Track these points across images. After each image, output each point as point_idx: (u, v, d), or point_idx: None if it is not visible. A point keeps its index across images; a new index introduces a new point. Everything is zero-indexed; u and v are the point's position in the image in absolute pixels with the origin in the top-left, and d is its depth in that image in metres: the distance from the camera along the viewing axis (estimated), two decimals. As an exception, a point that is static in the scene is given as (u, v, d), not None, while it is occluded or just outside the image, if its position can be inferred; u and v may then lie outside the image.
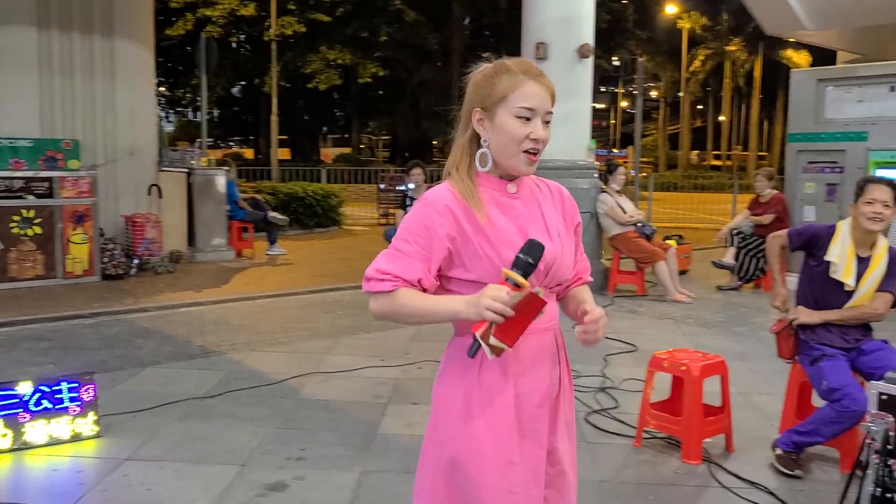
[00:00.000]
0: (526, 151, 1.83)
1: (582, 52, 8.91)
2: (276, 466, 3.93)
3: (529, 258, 1.73)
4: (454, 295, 1.85)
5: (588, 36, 9.07)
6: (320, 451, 4.15)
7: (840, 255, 3.87)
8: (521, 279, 1.70)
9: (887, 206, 3.79)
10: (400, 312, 1.84)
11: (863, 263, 3.88)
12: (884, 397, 2.68)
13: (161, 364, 5.70)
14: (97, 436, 4.19)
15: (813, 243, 3.97)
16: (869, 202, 3.81)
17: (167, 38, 26.34)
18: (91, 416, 4.18)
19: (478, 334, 1.69)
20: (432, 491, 1.93)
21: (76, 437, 4.12)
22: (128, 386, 5.17)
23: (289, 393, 5.11)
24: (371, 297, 1.87)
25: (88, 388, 4.17)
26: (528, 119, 1.82)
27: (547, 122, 1.86)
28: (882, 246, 3.92)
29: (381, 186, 18.00)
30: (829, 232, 3.94)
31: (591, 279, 2.10)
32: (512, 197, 1.90)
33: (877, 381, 2.80)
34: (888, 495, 2.61)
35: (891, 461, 2.62)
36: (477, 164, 1.88)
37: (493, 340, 1.69)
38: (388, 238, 9.35)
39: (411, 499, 3.53)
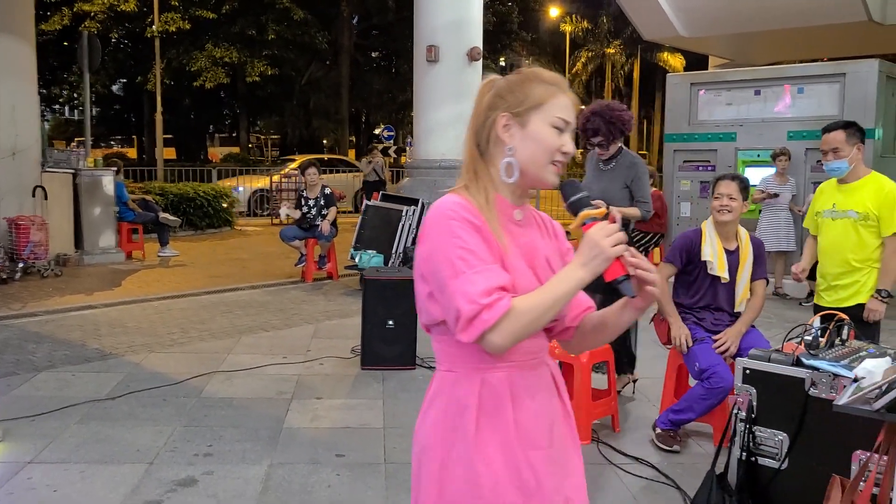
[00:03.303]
0: (554, 162, 1.71)
1: (472, 56, 9.22)
2: (184, 463, 4.00)
3: (584, 192, 1.69)
4: (558, 275, 1.63)
5: (477, 39, 9.39)
6: (227, 446, 4.24)
7: (712, 253, 4.25)
8: (598, 210, 1.64)
9: (733, 198, 4.22)
10: (529, 326, 1.59)
11: (732, 256, 4.28)
12: (748, 371, 3.02)
13: (56, 368, 5.61)
14: (-3, 441, 4.15)
15: (692, 250, 4.32)
16: (717, 197, 4.24)
17: (43, 32, 25.16)
18: (-10, 421, 4.13)
19: (626, 273, 1.62)
20: None
21: (-25, 443, 4.07)
22: (24, 391, 5.08)
23: (191, 392, 5.15)
24: (490, 332, 1.56)
25: (-13, 393, 4.12)
26: (561, 130, 1.72)
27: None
28: (745, 237, 4.33)
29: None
30: (698, 234, 4.32)
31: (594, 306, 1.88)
32: (518, 224, 1.76)
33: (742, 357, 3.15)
34: (752, 458, 2.95)
35: (754, 428, 2.96)
36: (502, 174, 1.72)
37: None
38: (284, 238, 9.39)
39: (321, 488, 3.70)
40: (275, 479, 3.85)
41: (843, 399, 2.21)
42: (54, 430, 4.40)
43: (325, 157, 24.12)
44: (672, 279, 4.43)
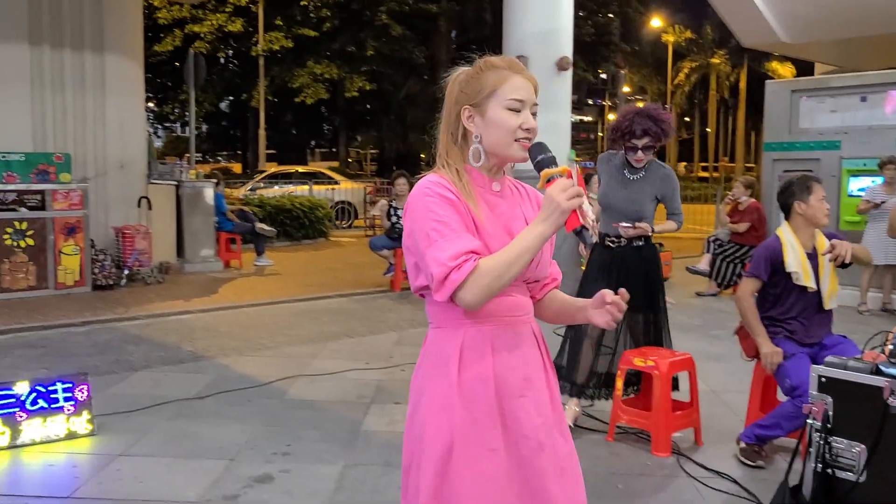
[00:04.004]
0: (517, 140, 1.88)
1: (560, 65, 9.14)
2: (262, 461, 4.11)
3: (548, 153, 1.84)
4: (521, 232, 1.81)
5: (566, 49, 9.29)
6: (305, 446, 4.33)
7: (796, 263, 4.07)
8: (560, 168, 1.79)
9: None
10: (495, 281, 1.77)
11: (812, 258, 4.10)
12: (823, 380, 2.89)
13: (152, 368, 5.87)
14: (91, 434, 4.36)
15: (775, 261, 4.11)
16: (823, 199, 4.05)
17: (155, 54, 26.50)
18: (85, 414, 4.35)
19: (582, 223, 1.74)
20: (419, 484, 1.91)
21: (71, 435, 4.29)
22: (120, 389, 5.33)
23: (275, 394, 5.29)
24: (460, 290, 1.78)
25: (82, 389, 4.34)
26: (518, 111, 1.88)
27: (534, 115, 1.92)
28: (818, 235, 4.14)
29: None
30: (778, 244, 4.13)
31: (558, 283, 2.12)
32: (496, 195, 1.95)
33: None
34: (829, 470, 2.82)
35: (830, 439, 2.83)
36: (471, 160, 1.93)
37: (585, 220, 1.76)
38: (373, 247, 9.55)
39: (392, 489, 3.74)
40: (348, 479, 3.91)
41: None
42: (145, 425, 4.60)
43: (298, 168, 22.73)
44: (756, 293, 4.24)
